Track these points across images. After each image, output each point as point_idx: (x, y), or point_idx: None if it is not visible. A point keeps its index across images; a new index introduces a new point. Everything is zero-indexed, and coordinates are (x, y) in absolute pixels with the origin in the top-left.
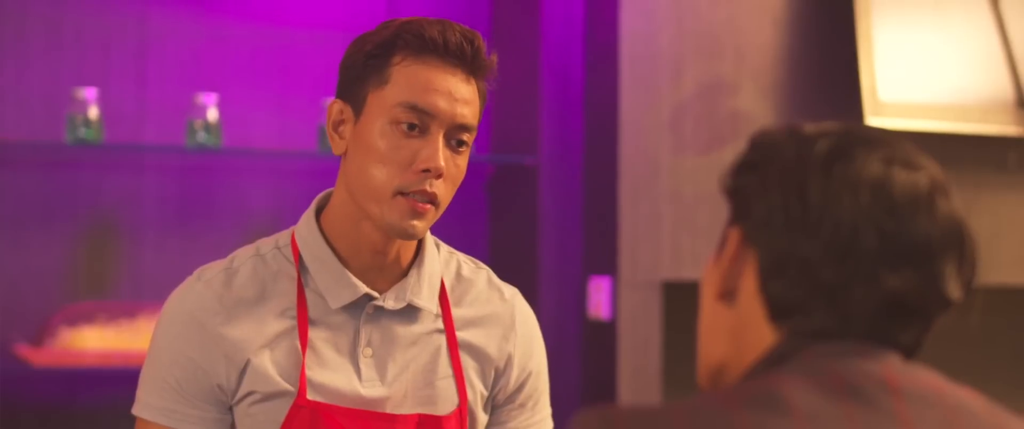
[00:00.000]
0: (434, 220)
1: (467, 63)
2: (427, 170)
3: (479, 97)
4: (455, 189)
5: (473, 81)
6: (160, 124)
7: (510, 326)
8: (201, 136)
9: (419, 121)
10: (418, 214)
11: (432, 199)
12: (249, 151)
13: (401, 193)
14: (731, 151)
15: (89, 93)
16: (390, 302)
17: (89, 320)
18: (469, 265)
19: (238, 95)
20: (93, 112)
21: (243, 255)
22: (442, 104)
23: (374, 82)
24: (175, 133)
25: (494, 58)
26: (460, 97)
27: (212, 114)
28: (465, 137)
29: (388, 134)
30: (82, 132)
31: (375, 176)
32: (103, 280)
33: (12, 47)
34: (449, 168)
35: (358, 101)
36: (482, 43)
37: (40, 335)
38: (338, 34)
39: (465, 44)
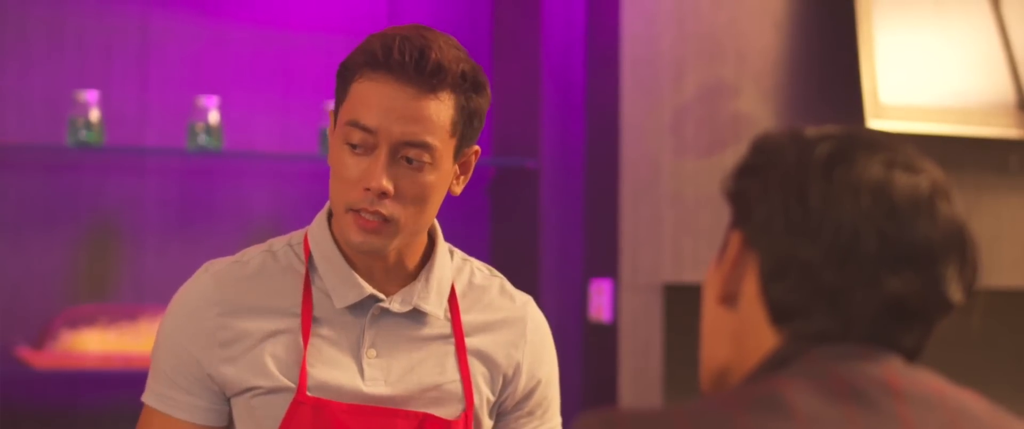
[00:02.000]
0: (398, 237)
1: (420, 77)
2: (368, 189)
3: (446, 110)
4: (424, 206)
5: (434, 96)
6: (161, 127)
7: (520, 333)
8: (202, 139)
9: (360, 140)
10: (367, 231)
11: (383, 218)
12: (250, 154)
13: (352, 210)
14: (732, 154)
15: (90, 96)
16: (396, 305)
17: (90, 323)
18: (483, 272)
19: (239, 98)
20: (94, 115)
21: (253, 251)
22: (381, 121)
23: (340, 97)
24: (176, 136)
25: (469, 69)
26: (408, 114)
27: (213, 117)
28: (415, 155)
29: (340, 151)
30: (83, 135)
31: (334, 191)
32: (104, 283)
33: (13, 50)
34: (404, 186)
35: (335, 114)
36: (442, 57)
37: (41, 338)
38: (339, 37)
39: (410, 57)
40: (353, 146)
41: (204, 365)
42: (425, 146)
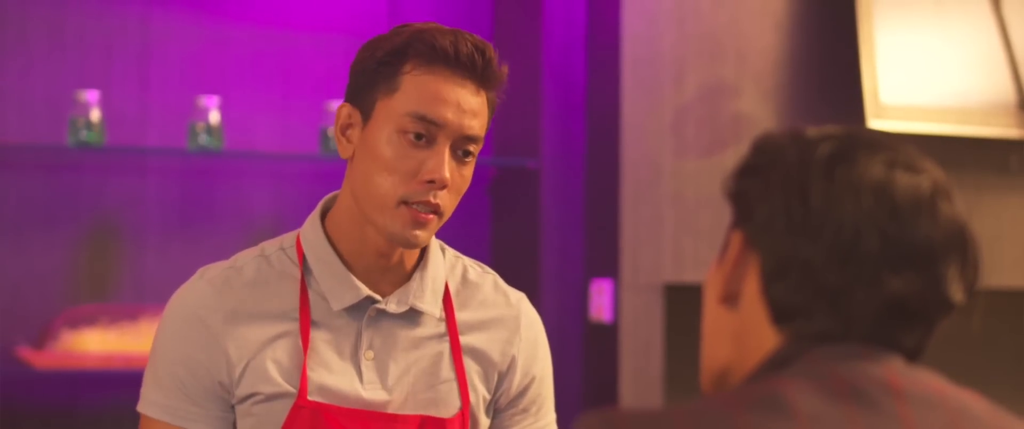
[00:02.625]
0: (437, 229)
1: (478, 75)
2: (432, 181)
3: (488, 108)
4: (459, 198)
5: (483, 93)
6: (162, 127)
7: (515, 330)
8: (203, 139)
9: (426, 131)
10: (420, 224)
11: (435, 210)
12: (251, 154)
13: (405, 203)
14: (733, 154)
15: (91, 96)
16: (392, 305)
17: (91, 323)
18: (475, 269)
19: (240, 98)
20: (95, 115)
21: (246, 256)
22: (450, 115)
23: (384, 89)
24: (177, 136)
25: (505, 69)
26: (468, 108)
27: (214, 117)
28: (471, 148)
29: (395, 143)
30: (84, 135)
31: (380, 184)
32: (105, 283)
33: (14, 50)
34: (454, 179)
35: (367, 107)
36: (494, 54)
37: (42, 338)
38: (340, 37)
39: (476, 55)
40: (417, 137)
41: (213, 372)
42: (478, 141)
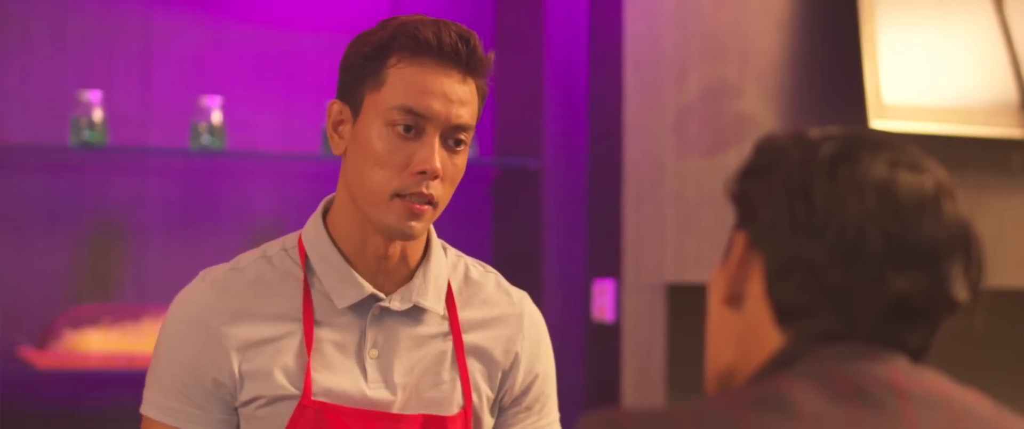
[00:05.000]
0: (433, 220)
1: (463, 63)
2: (423, 172)
3: (477, 96)
4: (454, 188)
5: (470, 80)
6: (164, 127)
7: (517, 328)
8: (205, 139)
9: (414, 123)
10: (415, 215)
11: (429, 200)
12: (253, 154)
13: (398, 195)
14: (735, 154)
15: (93, 96)
16: (396, 303)
17: (93, 323)
18: (477, 268)
19: (242, 98)
20: (97, 115)
21: (248, 257)
22: (437, 106)
23: (370, 84)
24: (179, 136)
25: (491, 56)
26: (456, 98)
27: (216, 117)
28: (462, 137)
29: (384, 136)
30: (86, 135)
31: (372, 178)
32: (107, 283)
33: (16, 50)
34: (446, 168)
35: (356, 102)
36: (478, 42)
37: (44, 338)
38: (342, 36)
39: (460, 44)
40: (406, 129)
41: (215, 375)
42: (468, 129)
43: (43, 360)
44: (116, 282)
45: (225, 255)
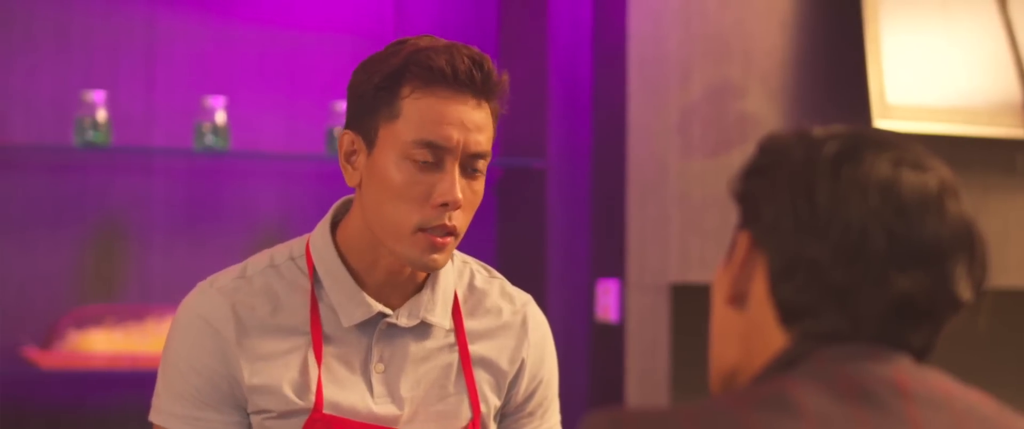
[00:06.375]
0: (454, 249)
1: (478, 89)
2: (445, 204)
3: (492, 119)
4: (473, 214)
5: (484, 105)
6: (168, 127)
7: (522, 334)
8: (209, 139)
9: (433, 156)
10: (438, 248)
11: (452, 231)
12: (257, 154)
13: (421, 229)
14: (739, 154)
15: (97, 96)
16: (403, 319)
17: (97, 323)
18: (482, 274)
19: (246, 98)
20: (101, 115)
21: (257, 265)
22: (455, 135)
23: (384, 115)
24: (183, 136)
25: (505, 78)
26: (473, 125)
27: (220, 117)
28: (480, 165)
29: (404, 169)
30: (90, 135)
31: (393, 213)
32: (111, 283)
33: (21, 50)
34: (466, 196)
35: (369, 133)
36: (491, 66)
37: (48, 338)
38: (346, 37)
39: (475, 70)
40: (425, 164)
41: (231, 381)
42: (486, 156)
43: (47, 360)
44: (120, 282)
45: (229, 255)
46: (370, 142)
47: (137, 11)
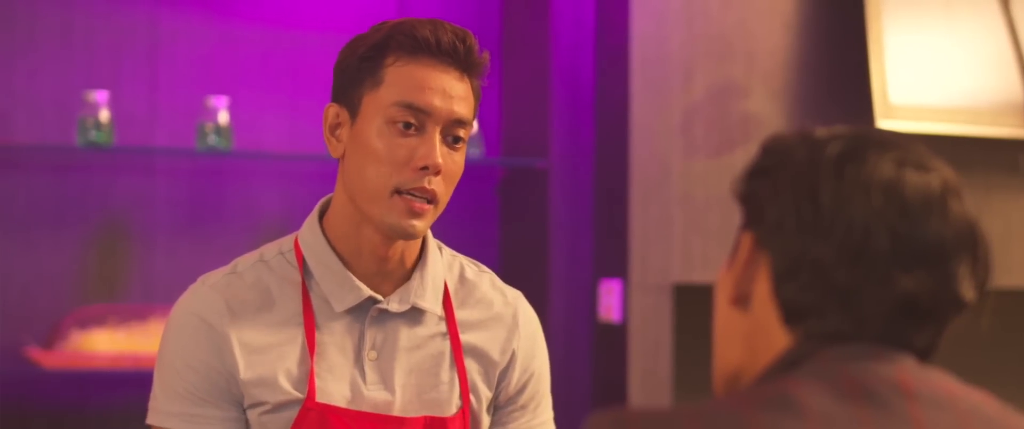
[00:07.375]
0: (434, 219)
1: (460, 61)
2: (425, 167)
3: (473, 94)
4: (453, 187)
5: (466, 79)
6: (171, 127)
7: (513, 327)
8: (212, 139)
9: (415, 119)
10: (416, 214)
11: (431, 197)
12: (260, 154)
13: (399, 192)
14: (742, 154)
15: (100, 96)
16: (394, 305)
17: (100, 323)
18: (472, 268)
19: (249, 98)
20: (104, 115)
21: (246, 262)
22: (437, 101)
23: (368, 84)
24: (186, 136)
25: (486, 56)
26: (455, 94)
27: (223, 117)
28: (461, 133)
29: (385, 134)
30: (93, 135)
31: (373, 176)
32: (114, 283)
33: (23, 50)
34: (447, 165)
35: (353, 104)
36: (474, 41)
37: (51, 338)
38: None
39: (458, 43)
40: (406, 126)
41: (228, 376)
42: (467, 124)
43: (50, 360)
44: (123, 282)
45: (232, 255)
46: (354, 112)
47: (140, 11)
